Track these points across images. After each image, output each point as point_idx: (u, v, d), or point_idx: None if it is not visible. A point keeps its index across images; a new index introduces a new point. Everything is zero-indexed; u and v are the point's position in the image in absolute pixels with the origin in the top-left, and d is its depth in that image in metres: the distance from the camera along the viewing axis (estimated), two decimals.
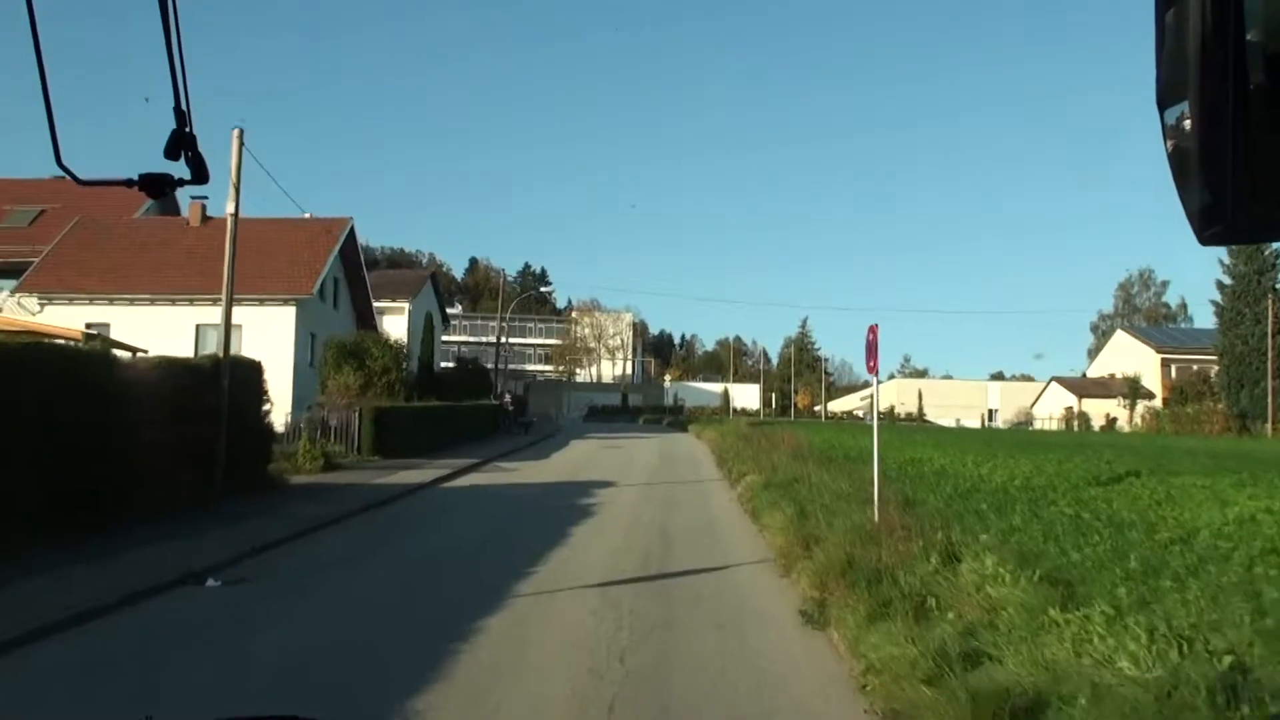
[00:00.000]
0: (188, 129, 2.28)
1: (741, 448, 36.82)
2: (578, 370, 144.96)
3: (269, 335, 44.88)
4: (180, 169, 2.35)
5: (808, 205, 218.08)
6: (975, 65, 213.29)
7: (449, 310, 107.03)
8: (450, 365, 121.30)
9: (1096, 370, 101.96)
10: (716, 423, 64.41)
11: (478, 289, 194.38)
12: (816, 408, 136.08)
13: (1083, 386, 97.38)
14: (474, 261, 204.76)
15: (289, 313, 45.44)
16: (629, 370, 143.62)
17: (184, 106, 2.23)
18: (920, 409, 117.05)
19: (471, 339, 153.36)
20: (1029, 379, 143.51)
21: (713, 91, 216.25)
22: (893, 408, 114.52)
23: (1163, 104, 1.46)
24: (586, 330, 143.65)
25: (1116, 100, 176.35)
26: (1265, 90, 1.33)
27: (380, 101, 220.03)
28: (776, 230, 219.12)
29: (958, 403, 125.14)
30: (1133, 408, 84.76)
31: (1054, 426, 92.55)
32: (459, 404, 48.70)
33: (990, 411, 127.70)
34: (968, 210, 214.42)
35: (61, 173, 2.44)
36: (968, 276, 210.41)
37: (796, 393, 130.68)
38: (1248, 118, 1.34)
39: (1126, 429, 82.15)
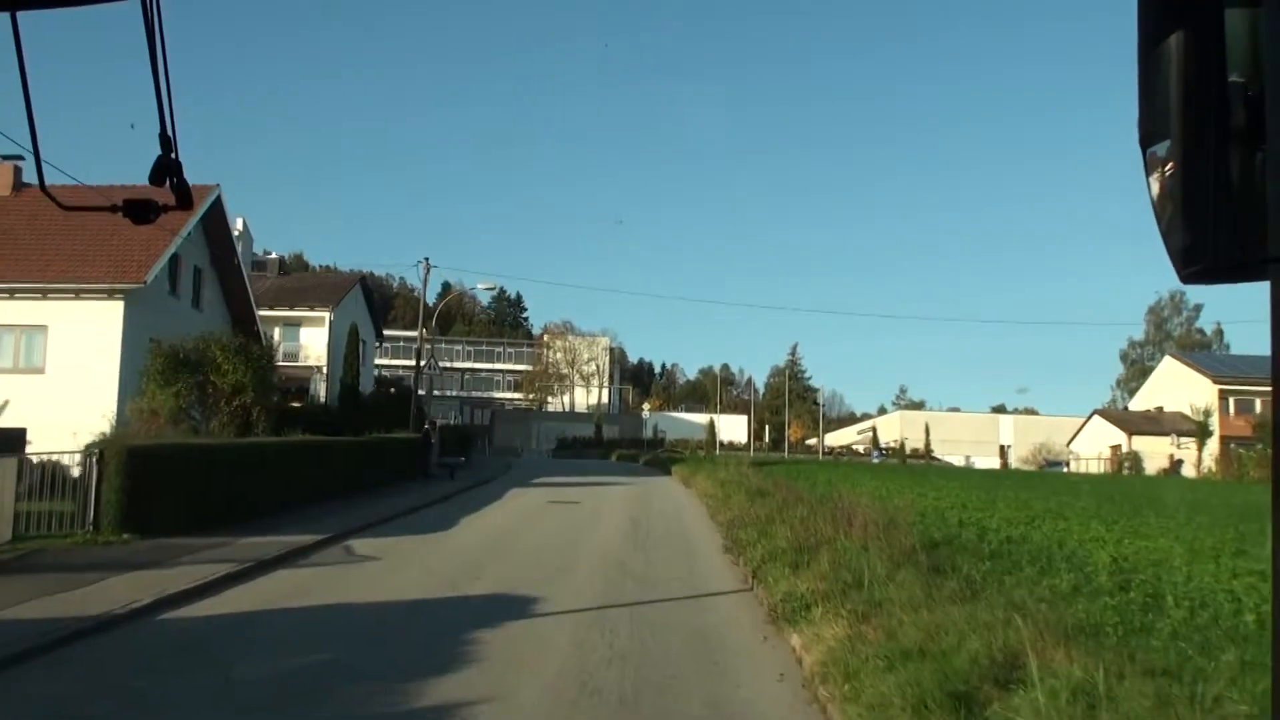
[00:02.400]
0: (173, 155, 2.24)
1: (757, 510, 23.27)
2: (549, 399, 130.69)
3: (84, 340, 31.05)
4: (165, 194, 2.38)
5: (795, 235, 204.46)
6: (951, 85, 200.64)
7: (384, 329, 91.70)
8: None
9: (1141, 403, 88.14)
10: (706, 462, 49.63)
11: (450, 315, 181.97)
12: (809, 441, 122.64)
13: (1130, 421, 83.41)
14: (446, 286, 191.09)
15: (114, 309, 31.46)
16: (605, 399, 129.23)
17: (169, 133, 2.17)
18: (928, 445, 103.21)
19: (408, 363, 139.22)
20: (1032, 412, 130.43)
21: (695, 109, 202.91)
22: (901, 443, 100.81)
23: (1145, 142, 1.47)
24: (559, 355, 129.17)
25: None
26: (1245, 131, 1.35)
27: (344, 109, 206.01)
28: (764, 258, 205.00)
29: (966, 438, 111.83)
30: (1201, 447, 70.96)
31: (1098, 468, 78.91)
32: (350, 440, 34.55)
33: (1003, 448, 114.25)
34: (961, 238, 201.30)
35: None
36: (960, 306, 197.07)
37: (788, 425, 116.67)
38: (1228, 158, 1.36)
39: (1192, 473, 68.73)
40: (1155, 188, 1.46)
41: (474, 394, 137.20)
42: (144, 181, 2.72)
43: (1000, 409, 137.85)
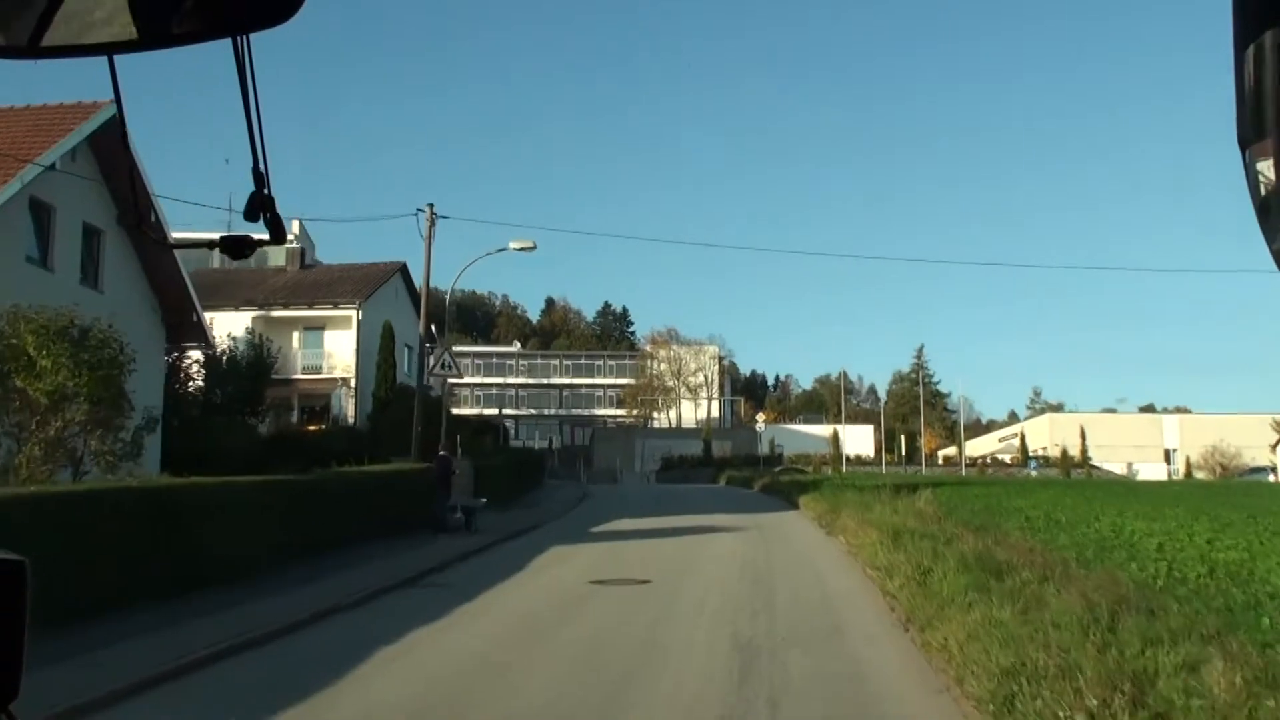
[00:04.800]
0: (266, 191, 2.09)
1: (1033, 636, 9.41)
2: (654, 414, 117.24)
3: None
4: (259, 229, 2.16)
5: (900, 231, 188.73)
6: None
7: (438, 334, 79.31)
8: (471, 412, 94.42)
9: None
10: (843, 489, 34.50)
11: (554, 330, 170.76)
12: (944, 452, 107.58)
13: None
14: (550, 302, 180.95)
15: None
16: (715, 413, 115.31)
17: (262, 169, 2.04)
18: (1084, 452, 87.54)
19: (510, 380, 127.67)
20: (1184, 410, 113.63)
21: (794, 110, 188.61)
22: (1062, 451, 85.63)
23: (1244, 144, 1.37)
24: (664, 366, 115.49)
25: None
26: None
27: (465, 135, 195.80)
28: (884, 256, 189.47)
29: (1124, 442, 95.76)
30: None
31: None
32: (288, 480, 21.36)
33: (1168, 452, 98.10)
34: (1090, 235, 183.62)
35: None
36: (1095, 301, 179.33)
37: (922, 434, 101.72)
38: None
39: None
40: (1256, 191, 1.34)
41: (574, 411, 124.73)
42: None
43: (1149, 409, 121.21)
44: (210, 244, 2.75)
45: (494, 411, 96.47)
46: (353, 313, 46.75)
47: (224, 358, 38.49)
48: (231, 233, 2.45)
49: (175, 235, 30.49)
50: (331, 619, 14.24)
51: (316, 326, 48.64)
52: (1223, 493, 40.17)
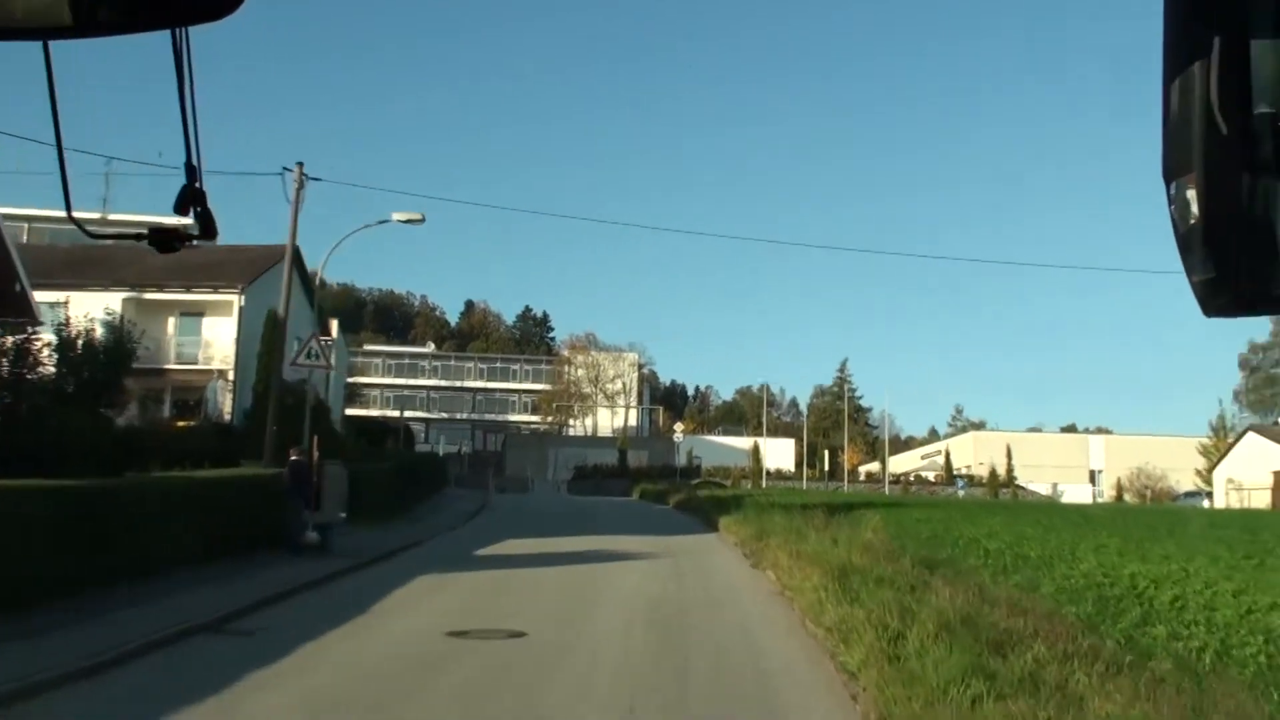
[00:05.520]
0: (198, 184, 2.20)
1: None
2: (570, 421, 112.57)
3: None
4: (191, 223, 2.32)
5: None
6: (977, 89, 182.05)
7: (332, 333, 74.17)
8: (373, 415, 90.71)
9: None
10: (769, 509, 29.46)
11: (473, 334, 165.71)
12: (866, 468, 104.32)
13: None
14: (470, 304, 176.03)
15: None
16: (633, 422, 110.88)
17: (195, 161, 2.14)
18: (1010, 471, 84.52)
19: (422, 382, 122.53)
20: (1105, 431, 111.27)
21: (730, 113, 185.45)
22: (992, 471, 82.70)
23: (1169, 176, 1.43)
24: (581, 372, 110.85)
25: None
26: (1272, 163, 1.31)
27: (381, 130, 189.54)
28: (809, 271, 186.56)
29: (1050, 462, 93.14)
30: None
31: (1262, 500, 59.82)
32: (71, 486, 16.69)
33: (1093, 473, 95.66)
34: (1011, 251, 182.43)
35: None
36: (1018, 319, 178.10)
37: (845, 450, 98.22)
38: (1254, 190, 1.32)
39: None
40: (1178, 221, 1.39)
41: (487, 416, 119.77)
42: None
43: (1071, 429, 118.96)
44: (138, 235, 2.32)
45: (396, 414, 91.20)
46: (235, 298, 41.87)
47: (79, 341, 33.59)
48: (162, 224, 2.44)
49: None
50: (43, 697, 9.70)
51: (195, 312, 43.68)
52: (1176, 521, 36.69)
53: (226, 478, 21.98)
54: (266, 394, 38.40)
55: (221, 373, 41.82)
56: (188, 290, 42.41)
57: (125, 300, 40.55)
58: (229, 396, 41.20)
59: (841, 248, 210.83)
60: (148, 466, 23.67)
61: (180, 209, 2.22)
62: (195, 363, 43.24)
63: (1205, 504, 64.52)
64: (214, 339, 42.57)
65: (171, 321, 42.67)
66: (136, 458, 25.76)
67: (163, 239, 2.30)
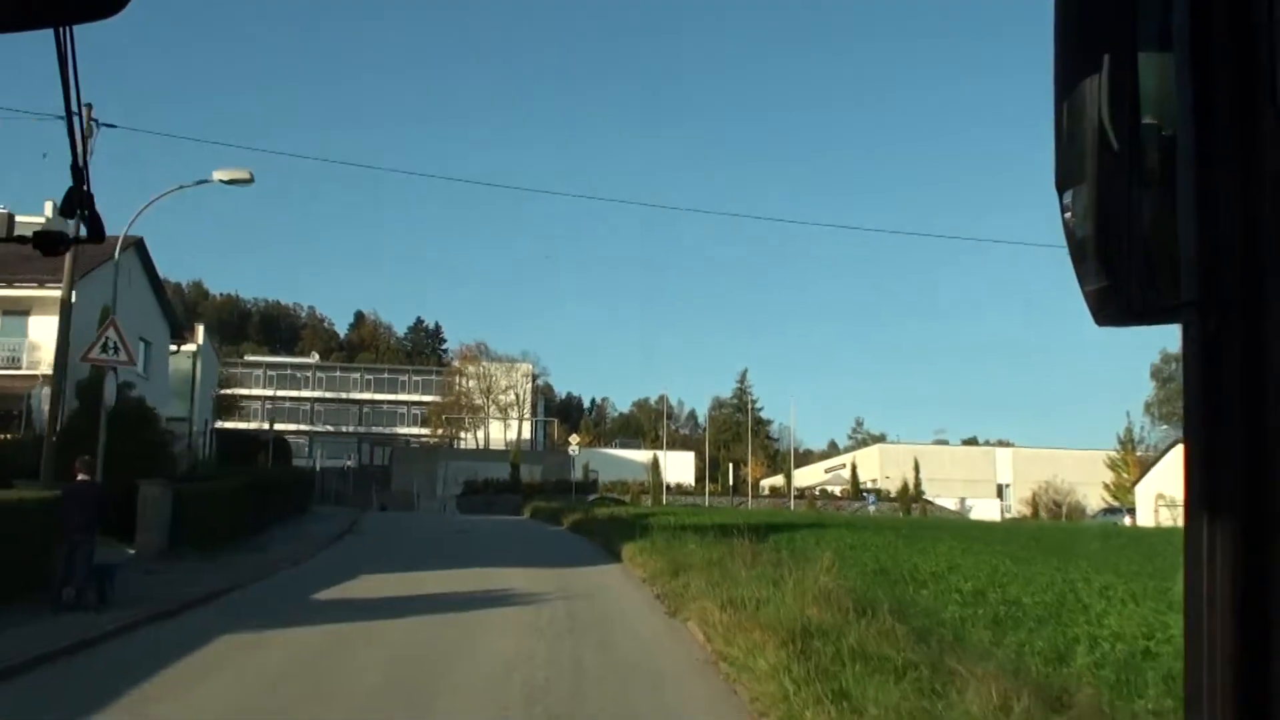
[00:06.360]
0: (85, 186, 2.15)
1: None
2: (461, 434, 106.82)
3: None
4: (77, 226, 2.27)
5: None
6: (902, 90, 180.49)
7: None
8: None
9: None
10: (689, 534, 23.66)
11: (363, 345, 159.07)
12: (768, 482, 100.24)
13: None
14: (360, 316, 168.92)
15: None
16: (526, 434, 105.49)
17: (82, 164, 2.08)
18: (918, 485, 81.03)
19: (306, 394, 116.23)
20: (1006, 444, 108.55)
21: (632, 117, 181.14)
22: (905, 486, 79.12)
23: (1061, 186, 1.43)
24: (472, 382, 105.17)
25: None
26: (1159, 173, 1.32)
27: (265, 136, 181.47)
28: (702, 281, 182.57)
29: (956, 476, 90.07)
30: None
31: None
32: None
33: (1000, 487, 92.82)
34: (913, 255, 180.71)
35: None
36: (919, 332, 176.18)
37: (749, 464, 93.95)
38: (1142, 201, 1.33)
39: None
40: (1070, 231, 1.40)
41: (374, 429, 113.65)
42: None
43: (972, 442, 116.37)
44: (22, 239, 2.52)
45: (262, 426, 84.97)
46: (57, 292, 35.93)
47: None
48: (47, 227, 2.46)
49: None
50: None
51: (19, 310, 37.69)
52: (1131, 544, 32.79)
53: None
54: (94, 402, 32.87)
55: (48, 378, 35.93)
56: (9, 285, 36.46)
57: None
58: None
59: (743, 243, 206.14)
60: None
61: (66, 211, 2.21)
62: (20, 366, 37.34)
63: (1126, 521, 61.44)
64: (44, 341, 36.63)
65: None
66: None
67: (48, 242, 2.40)
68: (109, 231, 3.07)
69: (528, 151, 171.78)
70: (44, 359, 36.62)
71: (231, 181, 24.26)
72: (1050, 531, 42.40)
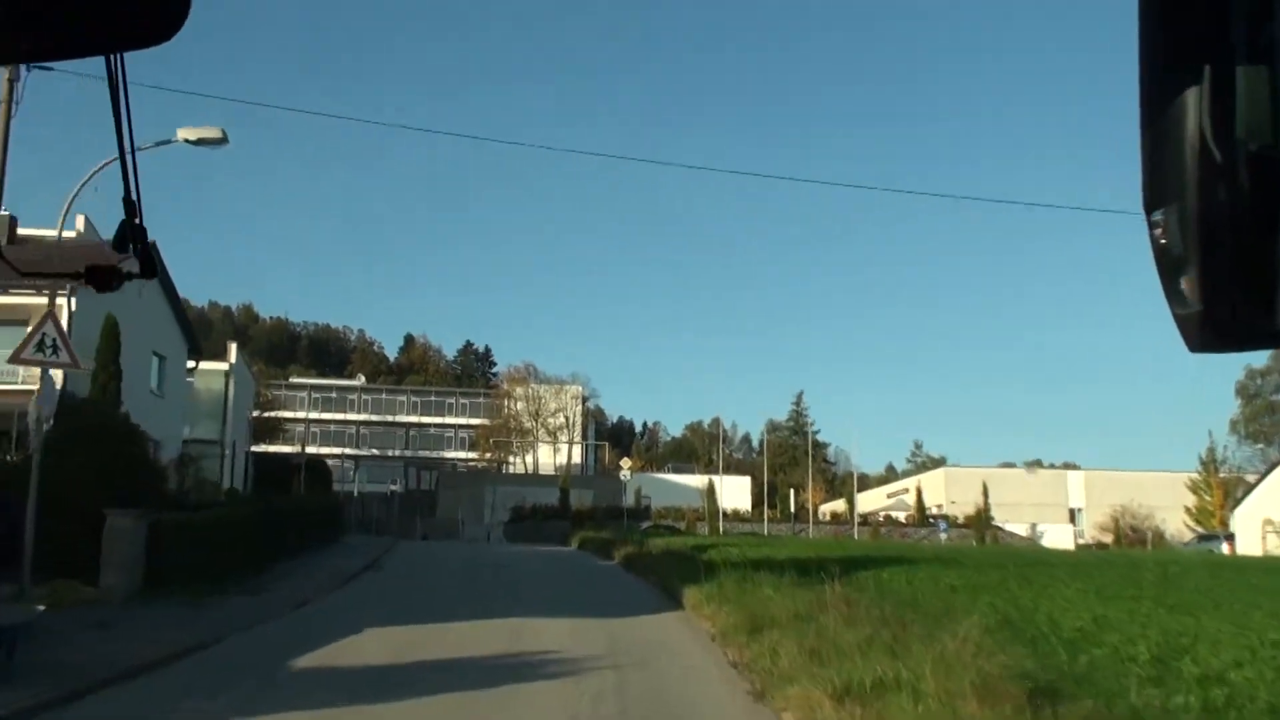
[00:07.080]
0: (138, 220, 2.07)
1: None
2: (510, 458, 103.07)
3: None
4: (130, 262, 2.21)
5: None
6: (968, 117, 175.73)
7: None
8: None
9: None
10: (764, 574, 19.13)
11: (412, 368, 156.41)
12: (826, 507, 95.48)
13: None
14: (409, 339, 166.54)
15: None
16: (576, 458, 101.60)
17: (134, 197, 2.00)
18: (987, 511, 76.03)
19: (352, 417, 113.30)
20: (1073, 467, 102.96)
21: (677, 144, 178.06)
22: (978, 513, 74.26)
23: (1149, 207, 1.37)
24: (521, 405, 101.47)
25: None
26: (1257, 193, 1.26)
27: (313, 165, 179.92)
28: (763, 303, 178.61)
29: (1027, 501, 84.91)
30: None
31: None
32: None
33: (1073, 512, 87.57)
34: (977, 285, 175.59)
35: None
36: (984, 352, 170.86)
37: (810, 489, 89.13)
38: (1240, 222, 1.27)
39: None
40: (1160, 253, 1.33)
41: (421, 453, 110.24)
42: None
43: (1037, 464, 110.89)
44: (75, 274, 2.38)
45: (313, 451, 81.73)
46: (63, 302, 32.64)
47: None
48: (98, 263, 2.33)
49: None
50: None
51: (18, 320, 34.36)
52: (1264, 576, 28.24)
53: None
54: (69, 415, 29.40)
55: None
56: (5, 292, 33.32)
57: None
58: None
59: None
60: None
61: (119, 245, 2.17)
62: (17, 381, 34.14)
63: (1224, 549, 56.39)
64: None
65: None
66: None
67: (101, 278, 2.22)
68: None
69: (579, 167, 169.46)
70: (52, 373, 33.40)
71: (200, 141, 20.59)
72: (1148, 563, 37.83)
